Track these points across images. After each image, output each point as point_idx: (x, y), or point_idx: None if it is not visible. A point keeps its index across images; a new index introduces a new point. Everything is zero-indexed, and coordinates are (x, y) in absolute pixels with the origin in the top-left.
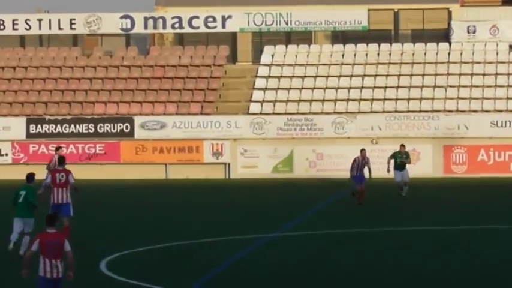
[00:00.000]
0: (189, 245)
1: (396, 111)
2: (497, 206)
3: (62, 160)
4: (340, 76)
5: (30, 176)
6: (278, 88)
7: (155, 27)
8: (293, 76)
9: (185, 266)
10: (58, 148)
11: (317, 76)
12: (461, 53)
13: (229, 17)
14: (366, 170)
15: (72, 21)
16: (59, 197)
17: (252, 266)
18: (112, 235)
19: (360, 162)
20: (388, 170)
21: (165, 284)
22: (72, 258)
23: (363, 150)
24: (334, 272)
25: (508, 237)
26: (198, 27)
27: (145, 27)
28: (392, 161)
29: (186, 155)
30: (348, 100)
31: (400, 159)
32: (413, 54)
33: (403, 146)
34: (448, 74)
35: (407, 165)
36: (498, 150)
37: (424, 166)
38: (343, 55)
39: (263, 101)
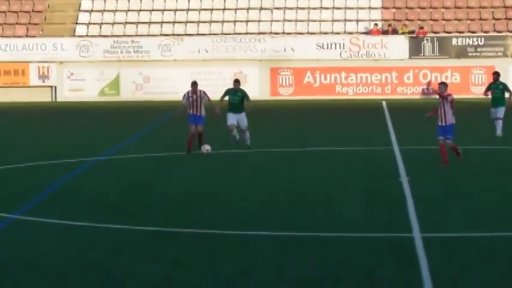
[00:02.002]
0: (14, 169)
1: (223, 34)
2: (322, 128)
3: None
4: None
5: None
6: (104, 10)
7: None
8: None
9: (10, 191)
10: None
11: None
12: None
13: None
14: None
15: None
16: None
17: (77, 190)
18: None
19: (192, 98)
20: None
21: None
22: None
23: (194, 85)
24: (160, 195)
25: (332, 158)
26: None
27: None
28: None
29: (12, 78)
30: (174, 22)
31: (233, 99)
32: None
33: (236, 81)
34: None
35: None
36: (324, 73)
37: (250, 88)
38: None
39: (89, 23)
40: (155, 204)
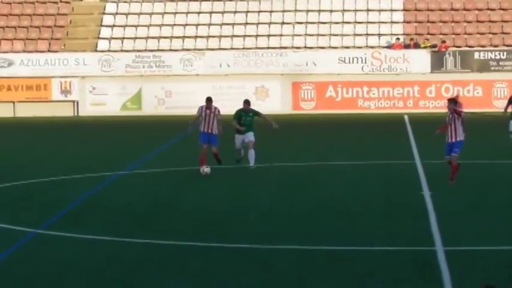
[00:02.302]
0: (37, 183)
1: (244, 48)
2: (344, 142)
3: None
4: (188, 13)
5: None
6: (126, 25)
7: None
8: (141, 13)
9: (34, 205)
10: None
11: (165, 13)
12: None
13: None
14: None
15: None
16: None
17: (100, 204)
18: None
19: (205, 113)
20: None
21: (14, 223)
22: None
23: (208, 101)
24: (184, 208)
25: (354, 172)
26: None
27: None
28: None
29: (34, 93)
30: (196, 37)
31: (245, 120)
32: None
33: (246, 102)
34: (296, 10)
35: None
36: (346, 87)
37: (272, 103)
38: None
39: (111, 38)
40: (178, 218)
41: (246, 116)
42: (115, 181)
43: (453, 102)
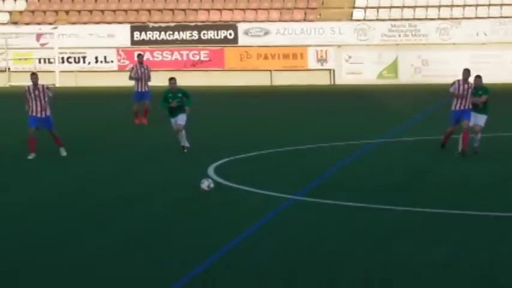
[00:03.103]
0: (295, 151)
1: (501, 17)
2: None
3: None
4: None
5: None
6: None
7: None
8: None
9: (291, 172)
10: (139, 55)
11: None
12: None
13: None
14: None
15: None
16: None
17: (358, 172)
18: (219, 141)
19: (464, 90)
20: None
21: (271, 189)
22: None
23: (466, 72)
24: (441, 177)
25: None
26: None
27: None
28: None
29: (291, 62)
30: (452, 6)
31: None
32: None
33: (478, 77)
34: None
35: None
36: None
37: None
38: None
39: (366, 7)
40: (436, 186)
41: (475, 93)
42: (371, 149)
43: None
